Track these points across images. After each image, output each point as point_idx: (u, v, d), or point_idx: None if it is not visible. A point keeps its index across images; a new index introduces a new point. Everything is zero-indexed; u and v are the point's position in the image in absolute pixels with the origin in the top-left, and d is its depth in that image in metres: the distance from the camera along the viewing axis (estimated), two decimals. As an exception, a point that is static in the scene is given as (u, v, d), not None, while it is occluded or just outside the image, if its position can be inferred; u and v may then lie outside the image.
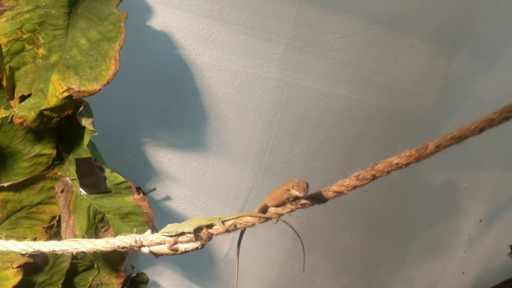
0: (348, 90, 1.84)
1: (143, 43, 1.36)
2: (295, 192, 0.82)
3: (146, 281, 1.83)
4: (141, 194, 1.45)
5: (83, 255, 1.60)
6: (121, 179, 1.40)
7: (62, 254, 1.60)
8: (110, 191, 1.41)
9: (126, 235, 0.92)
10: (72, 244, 0.91)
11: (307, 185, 0.83)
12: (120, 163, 1.53)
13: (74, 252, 0.92)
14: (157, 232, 1.63)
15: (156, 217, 1.48)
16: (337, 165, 2.08)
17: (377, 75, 1.88)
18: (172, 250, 0.90)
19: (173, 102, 1.50)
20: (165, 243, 0.91)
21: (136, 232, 0.94)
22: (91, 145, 1.34)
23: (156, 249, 0.92)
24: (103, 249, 0.90)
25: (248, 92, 1.62)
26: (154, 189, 1.62)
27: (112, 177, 1.39)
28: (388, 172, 0.74)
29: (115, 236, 1.52)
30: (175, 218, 1.76)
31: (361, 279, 2.86)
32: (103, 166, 1.37)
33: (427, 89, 2.10)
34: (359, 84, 1.86)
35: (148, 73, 1.41)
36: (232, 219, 0.91)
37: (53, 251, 0.91)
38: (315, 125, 1.86)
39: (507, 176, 2.98)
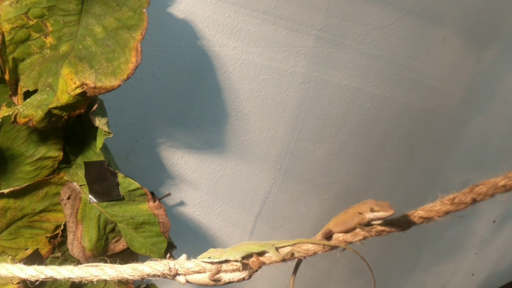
0: (376, 86, 1.71)
1: (162, 33, 1.21)
2: (378, 214, 0.68)
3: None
4: (157, 202, 1.31)
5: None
6: (136, 185, 1.25)
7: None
8: (123, 199, 1.26)
9: (157, 260, 0.78)
10: (92, 271, 0.76)
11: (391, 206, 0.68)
12: (133, 166, 1.38)
13: (94, 280, 0.78)
14: (172, 245, 1.49)
15: (171, 225, 1.33)
16: (359, 166, 1.95)
17: (407, 70, 1.75)
18: (213, 280, 0.76)
19: (192, 99, 1.35)
20: (205, 272, 0.77)
21: (169, 258, 0.79)
22: (104, 148, 1.19)
23: (195, 278, 0.78)
24: (130, 277, 0.76)
25: (273, 88, 1.47)
26: (169, 194, 1.47)
27: (126, 183, 1.24)
28: (492, 195, 0.60)
29: (127, 247, 1.38)
30: (189, 224, 1.62)
31: (372, 284, 2.74)
32: (116, 171, 1.22)
33: (455, 87, 1.97)
34: (388, 80, 1.72)
35: (167, 67, 1.26)
36: (289, 245, 0.77)
37: (69, 278, 0.76)
38: (340, 124, 1.73)
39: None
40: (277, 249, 0.76)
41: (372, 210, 0.68)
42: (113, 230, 1.31)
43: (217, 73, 1.34)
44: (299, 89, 1.52)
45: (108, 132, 1.11)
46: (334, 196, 1.96)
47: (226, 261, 0.77)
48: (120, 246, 1.35)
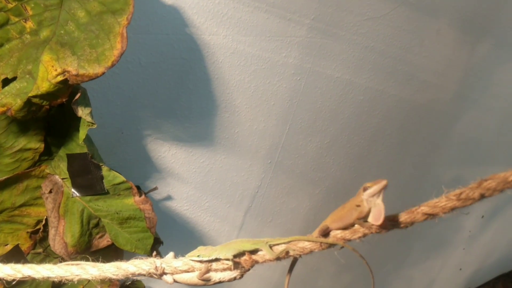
0: (369, 79, 1.67)
1: (149, 19, 1.16)
2: (371, 190, 0.63)
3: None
4: (143, 196, 1.25)
5: (75, 258, 1.40)
6: (121, 178, 1.20)
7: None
8: (107, 193, 1.21)
9: (142, 259, 0.73)
10: (73, 270, 0.71)
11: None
12: (118, 158, 1.33)
13: (75, 279, 0.73)
14: (158, 240, 1.44)
15: (158, 220, 1.29)
16: (350, 161, 1.91)
17: (400, 63, 1.71)
18: (203, 280, 0.72)
19: (180, 89, 1.30)
20: (193, 271, 0.72)
21: (156, 256, 0.74)
22: (87, 139, 1.13)
23: (183, 278, 0.73)
24: (113, 276, 0.71)
25: (264, 80, 1.43)
26: (156, 188, 1.42)
27: (110, 176, 1.19)
28: (501, 190, 0.56)
29: (111, 243, 1.32)
30: (176, 219, 1.57)
31: (362, 279, 2.72)
32: (100, 164, 1.17)
33: (448, 80, 1.94)
34: (381, 73, 1.68)
35: (154, 55, 1.21)
36: (283, 243, 0.72)
37: (48, 277, 0.71)
38: (332, 118, 1.69)
39: None
40: (271, 247, 0.72)
41: (365, 189, 0.64)
42: (97, 225, 1.26)
43: (206, 62, 1.29)
44: (291, 80, 1.48)
45: (92, 123, 1.06)
46: (324, 191, 1.92)
47: (217, 260, 0.72)
48: (104, 242, 1.30)
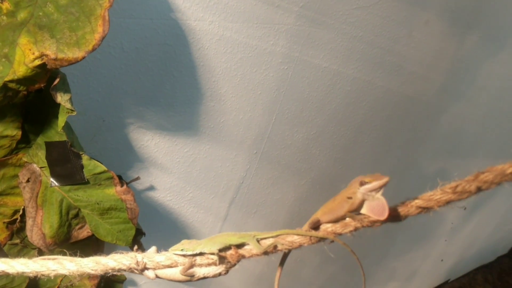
0: (356, 69, 1.64)
1: (133, 2, 1.11)
2: (370, 186, 0.61)
3: (122, 281, 1.60)
4: (124, 186, 1.22)
5: (53, 250, 1.36)
6: (102, 168, 1.16)
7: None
8: (87, 182, 1.17)
9: (122, 253, 0.70)
10: (49, 265, 0.68)
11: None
12: (99, 147, 1.28)
13: (51, 275, 0.69)
14: (140, 231, 1.40)
15: (140, 211, 1.25)
16: (336, 152, 1.89)
17: (388, 54, 1.69)
18: (186, 275, 0.68)
19: (164, 76, 1.26)
20: (177, 266, 0.69)
21: (137, 250, 0.71)
22: (67, 126, 1.09)
23: (165, 273, 0.70)
24: (92, 271, 0.68)
25: (251, 68, 1.39)
26: (138, 178, 1.38)
27: (91, 165, 1.15)
28: (498, 183, 0.54)
29: (91, 234, 1.28)
30: (159, 210, 1.53)
31: (345, 270, 2.73)
32: (80, 153, 1.12)
33: (435, 72, 1.93)
34: (369, 63, 1.66)
35: (137, 40, 1.16)
36: (271, 237, 0.69)
37: (23, 272, 0.68)
38: (319, 108, 1.66)
39: (494, 164, 2.88)
40: (258, 241, 0.69)
41: (362, 184, 0.61)
42: (76, 216, 1.22)
43: (191, 49, 1.25)
44: (278, 69, 1.45)
45: (71, 110, 1.01)
46: (310, 182, 1.90)
47: (201, 254, 0.69)
48: (84, 233, 1.26)
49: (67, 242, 1.24)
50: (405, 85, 1.86)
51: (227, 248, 0.68)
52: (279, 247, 0.68)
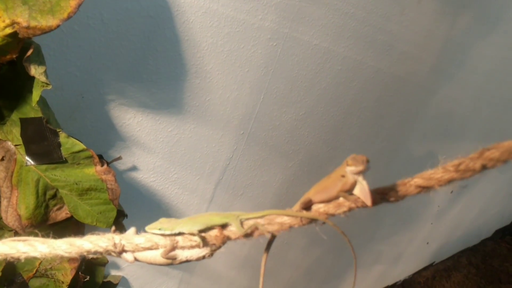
0: (347, 48, 1.59)
1: (113, -30, 1.04)
2: (350, 169, 0.57)
3: (104, 264, 1.55)
4: (105, 166, 1.16)
5: (31, 232, 1.30)
6: (81, 146, 1.10)
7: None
8: (65, 161, 1.11)
9: (99, 234, 0.65)
10: (20, 247, 0.63)
11: (368, 159, 0.58)
12: (78, 125, 1.22)
13: (21, 257, 0.64)
14: (122, 213, 1.35)
15: (121, 192, 1.20)
16: (324, 134, 1.85)
17: (380, 32, 1.64)
18: (168, 258, 0.64)
19: (147, 51, 1.20)
20: (158, 248, 0.64)
21: (114, 231, 0.66)
22: (42, 102, 1.03)
23: (145, 256, 0.65)
24: (65, 254, 0.63)
25: (238, 44, 1.33)
26: (120, 158, 1.32)
27: (69, 143, 1.09)
28: (505, 161, 0.50)
29: (71, 216, 1.23)
30: (142, 191, 1.48)
31: (331, 253, 2.71)
32: (58, 130, 1.06)
33: (426, 52, 1.89)
34: (360, 42, 1.61)
35: (119, 12, 1.10)
36: (257, 218, 0.64)
37: (-10, 255, 0.62)
38: (308, 88, 1.61)
39: (482, 147, 2.87)
40: (242, 222, 0.64)
41: (347, 165, 0.58)
42: (54, 196, 1.16)
43: (176, 22, 1.18)
44: (267, 46, 1.39)
45: (46, 83, 0.95)
46: (298, 164, 1.86)
47: (180, 234, 0.64)
48: (62, 214, 1.21)
49: (44, 224, 1.18)
50: (396, 65, 1.81)
51: (209, 229, 0.64)
52: (260, 228, 0.63)
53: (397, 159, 2.41)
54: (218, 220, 0.64)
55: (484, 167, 0.50)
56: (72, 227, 1.37)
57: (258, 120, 1.56)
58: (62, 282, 1.39)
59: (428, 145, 2.49)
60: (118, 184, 1.18)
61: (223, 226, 0.64)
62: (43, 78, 0.94)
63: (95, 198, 1.17)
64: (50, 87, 0.95)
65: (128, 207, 1.32)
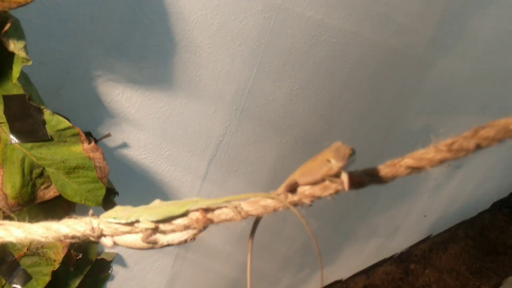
0: (343, 20, 1.55)
1: None
2: (332, 162, 0.55)
3: (97, 242, 1.54)
4: (92, 143, 1.13)
5: (19, 212, 1.29)
6: (66, 123, 1.07)
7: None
8: (51, 139, 1.08)
9: (76, 218, 0.62)
10: (-6, 231, 0.60)
11: (352, 152, 0.55)
12: (64, 101, 1.19)
13: (-3, 242, 0.62)
14: (113, 191, 1.33)
15: (111, 170, 1.18)
16: (320, 108, 1.82)
17: (376, 3, 1.59)
18: (148, 243, 0.62)
19: (134, 24, 1.15)
20: (137, 232, 0.62)
21: (93, 215, 0.63)
22: (23, 78, 0.99)
23: (124, 240, 0.63)
24: (42, 239, 0.60)
25: (229, 16, 1.29)
26: (109, 135, 1.30)
27: (54, 121, 1.06)
28: (501, 140, 0.47)
29: (59, 194, 1.21)
30: (133, 168, 1.46)
31: (328, 227, 2.72)
32: (42, 107, 1.03)
33: (424, 24, 1.84)
34: (356, 13, 1.56)
35: (102, -17, 1.05)
36: (231, 201, 0.61)
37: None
38: (302, 62, 1.57)
39: (480, 121, 2.84)
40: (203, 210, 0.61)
41: (329, 157, 0.55)
42: (41, 175, 1.14)
43: (163, -6, 1.14)
44: (259, 18, 1.35)
45: (27, 59, 0.92)
46: (293, 140, 1.83)
47: (136, 222, 0.62)
48: (51, 193, 1.19)
49: (32, 203, 1.16)
50: (393, 37, 1.77)
51: (167, 220, 0.61)
52: (215, 220, 0.61)
53: (394, 133, 2.39)
54: (176, 210, 0.61)
55: (478, 147, 0.48)
56: (63, 204, 1.36)
57: (251, 95, 1.53)
58: (54, 260, 1.38)
59: (426, 119, 2.47)
60: (106, 162, 1.15)
61: (183, 215, 0.61)
62: (22, 54, 0.91)
63: (83, 176, 1.15)
64: (30, 62, 0.91)
65: (119, 185, 1.30)
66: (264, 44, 1.42)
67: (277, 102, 1.64)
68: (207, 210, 0.60)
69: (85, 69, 1.17)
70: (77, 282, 1.55)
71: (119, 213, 0.62)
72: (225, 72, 1.40)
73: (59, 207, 1.36)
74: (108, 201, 1.36)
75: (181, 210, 0.61)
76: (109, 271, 1.62)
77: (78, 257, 1.45)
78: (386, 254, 3.90)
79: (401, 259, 3.97)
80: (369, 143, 2.26)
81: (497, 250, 4.28)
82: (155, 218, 0.61)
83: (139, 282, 1.88)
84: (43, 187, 1.16)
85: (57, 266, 1.37)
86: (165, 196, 1.61)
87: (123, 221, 0.61)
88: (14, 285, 1.35)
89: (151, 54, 1.23)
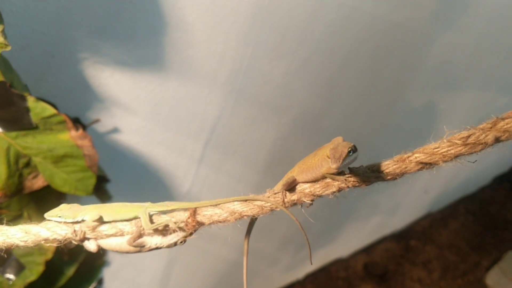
0: (342, -6, 1.47)
1: None
2: (329, 162, 0.49)
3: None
4: (80, 130, 1.08)
5: (8, 203, 1.25)
6: (51, 110, 1.01)
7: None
8: (36, 127, 1.03)
9: (57, 221, 0.57)
10: (-32, 236, 0.55)
11: (351, 150, 0.49)
12: (50, 87, 1.13)
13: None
14: (104, 178, 1.28)
15: (102, 156, 1.12)
16: (319, 87, 1.76)
17: (377, -24, 1.51)
18: (135, 246, 0.57)
19: (120, 3, 1.09)
20: (122, 235, 0.57)
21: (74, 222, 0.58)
22: (3, 64, 0.93)
23: (109, 244, 0.58)
24: (21, 243, 0.56)
25: (222, -7, 1.22)
26: (98, 120, 1.24)
27: (39, 108, 1.01)
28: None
29: (48, 184, 1.16)
30: (126, 154, 1.40)
31: (328, 205, 2.68)
32: (25, 94, 0.98)
33: (427, -3, 1.77)
34: (356, -13, 1.49)
35: (84, -41, 0.98)
36: (168, 210, 0.57)
37: None
38: (300, 39, 1.50)
39: (482, 96, 2.79)
40: (151, 215, 0.57)
41: (327, 155, 0.50)
42: (28, 165, 1.09)
43: (150, -30, 1.07)
44: (254, -6, 1.27)
45: (5, 44, 0.85)
46: (291, 120, 1.77)
47: (82, 221, 0.57)
48: (39, 183, 1.14)
49: (20, 194, 1.11)
50: (395, 12, 1.69)
51: (115, 222, 0.56)
52: (171, 226, 0.56)
53: (396, 111, 2.33)
54: (125, 213, 0.57)
55: (497, 140, 0.42)
56: (54, 192, 1.31)
57: (247, 75, 1.46)
58: (47, 250, 1.34)
59: (428, 95, 2.40)
60: (95, 149, 1.10)
61: (132, 219, 0.57)
62: (0, 39, 0.84)
63: (72, 165, 1.09)
64: (9, 48, 0.85)
65: (111, 171, 1.25)
66: (259, 21, 1.35)
67: (275, 82, 1.58)
68: (195, 212, 0.55)
69: (70, 52, 1.11)
70: (72, 270, 1.51)
71: (64, 211, 0.58)
72: (219, 51, 1.34)
73: (51, 195, 1.31)
74: (100, 189, 1.31)
75: (131, 215, 0.56)
76: (105, 258, 1.59)
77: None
78: (387, 231, 3.88)
79: (402, 236, 3.96)
80: (370, 122, 2.21)
81: (496, 225, 4.26)
82: (103, 219, 0.56)
83: (136, 267, 1.85)
84: (30, 177, 1.11)
85: (50, 255, 1.33)
86: (160, 180, 1.56)
87: (70, 220, 0.57)
88: (7, 275, 1.31)
89: (140, 34, 1.16)
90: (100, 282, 1.62)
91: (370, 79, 1.94)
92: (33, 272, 1.32)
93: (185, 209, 0.57)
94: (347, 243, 3.52)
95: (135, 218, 0.57)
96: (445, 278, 3.76)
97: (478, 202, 4.48)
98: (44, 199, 1.31)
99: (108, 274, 1.72)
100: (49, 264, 1.33)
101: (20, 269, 1.32)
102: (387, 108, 2.24)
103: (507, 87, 2.71)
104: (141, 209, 0.56)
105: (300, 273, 3.42)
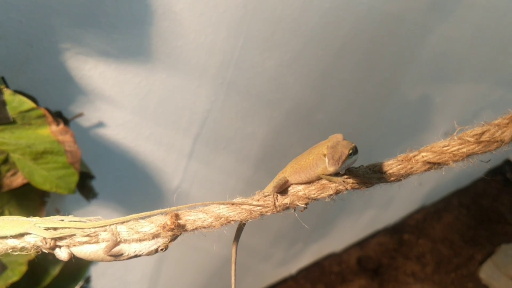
0: (336, -17, 1.42)
1: None
2: (326, 162, 0.44)
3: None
4: (61, 125, 1.02)
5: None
6: (30, 104, 0.96)
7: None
8: (14, 122, 0.97)
9: (29, 229, 0.52)
10: None
11: (352, 152, 0.44)
12: (29, 79, 1.07)
13: None
14: (88, 175, 1.22)
15: (86, 152, 1.07)
16: (312, 80, 1.70)
17: (373, -36, 1.46)
18: (111, 255, 0.52)
19: (103, -10, 1.03)
20: (97, 242, 0.52)
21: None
22: (-26, 54, 0.87)
23: (83, 252, 0.53)
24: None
25: (211, -20, 1.16)
26: (81, 114, 1.18)
27: (16, 101, 0.95)
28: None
29: (27, 182, 1.10)
30: (111, 149, 1.35)
31: (321, 200, 2.63)
32: (1, 87, 0.92)
33: (423, -14, 1.72)
34: (351, -25, 1.44)
35: None
36: (61, 227, 0.52)
37: None
38: (293, 29, 1.45)
39: (477, 89, 2.76)
40: (48, 229, 0.52)
41: (323, 154, 0.45)
42: (5, 161, 1.03)
43: (134, -45, 1.01)
44: (244, -18, 1.22)
45: (-24, 33, 0.80)
46: (284, 114, 1.72)
47: None
48: (18, 180, 1.08)
49: (-2, 192, 1.06)
50: (390, 1, 1.64)
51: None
52: (190, 228, 0.51)
53: (390, 104, 2.29)
54: (10, 229, 0.51)
55: (515, 139, 0.37)
56: (38, 193, 1.25)
57: (238, 67, 1.41)
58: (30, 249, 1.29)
59: (423, 88, 2.36)
60: (77, 145, 1.04)
61: (20, 235, 0.52)
62: (-30, 26, 0.78)
63: (52, 162, 1.04)
64: (-20, 36, 0.79)
65: (96, 168, 1.20)
66: (250, 11, 1.29)
67: (267, 74, 1.52)
68: (177, 216, 0.50)
69: (50, 42, 1.05)
70: (57, 269, 1.45)
71: None
72: (208, 42, 1.28)
73: (34, 193, 1.25)
74: (84, 187, 1.26)
75: (16, 231, 0.51)
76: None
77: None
78: (380, 225, 3.85)
79: (395, 230, 3.93)
80: (364, 115, 2.16)
81: (490, 218, 4.25)
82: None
83: (124, 264, 1.80)
84: (9, 174, 1.05)
85: (33, 255, 1.28)
86: (148, 176, 1.51)
87: None
88: (-12, 276, 1.26)
89: (125, 23, 1.10)
90: (87, 280, 1.57)
91: (365, 71, 1.89)
92: (16, 273, 1.27)
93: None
94: (340, 237, 3.48)
95: (24, 234, 0.51)
96: (439, 272, 3.74)
97: (472, 196, 4.46)
98: (26, 197, 1.25)
99: (95, 272, 1.66)
100: (32, 263, 1.28)
101: (2, 269, 1.27)
102: (381, 101, 2.20)
103: (502, 79, 2.68)
104: (28, 224, 0.51)
105: (293, 268, 3.38)
